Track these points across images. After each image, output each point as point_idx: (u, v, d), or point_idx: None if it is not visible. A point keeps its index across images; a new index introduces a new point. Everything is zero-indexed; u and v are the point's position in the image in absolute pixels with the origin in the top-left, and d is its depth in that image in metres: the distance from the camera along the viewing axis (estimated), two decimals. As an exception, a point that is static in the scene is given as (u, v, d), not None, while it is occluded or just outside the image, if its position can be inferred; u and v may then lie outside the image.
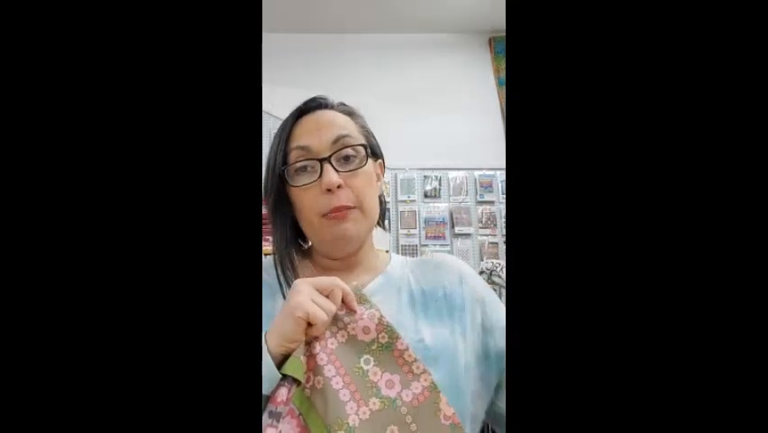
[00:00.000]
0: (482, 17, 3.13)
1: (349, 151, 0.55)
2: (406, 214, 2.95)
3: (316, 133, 0.55)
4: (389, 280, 0.58)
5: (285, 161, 0.56)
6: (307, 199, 0.54)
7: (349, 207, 0.54)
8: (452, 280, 0.57)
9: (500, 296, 2.35)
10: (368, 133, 0.61)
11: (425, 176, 3.03)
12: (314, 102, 0.59)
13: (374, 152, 0.60)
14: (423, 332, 0.53)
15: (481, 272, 1.75)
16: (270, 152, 0.58)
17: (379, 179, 0.61)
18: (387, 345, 0.50)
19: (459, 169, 3.05)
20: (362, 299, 0.52)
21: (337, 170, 0.54)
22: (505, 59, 3.02)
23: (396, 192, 2.99)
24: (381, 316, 0.51)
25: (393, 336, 0.50)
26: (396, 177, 3.02)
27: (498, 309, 0.57)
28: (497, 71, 3.22)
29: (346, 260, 0.57)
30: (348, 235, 0.54)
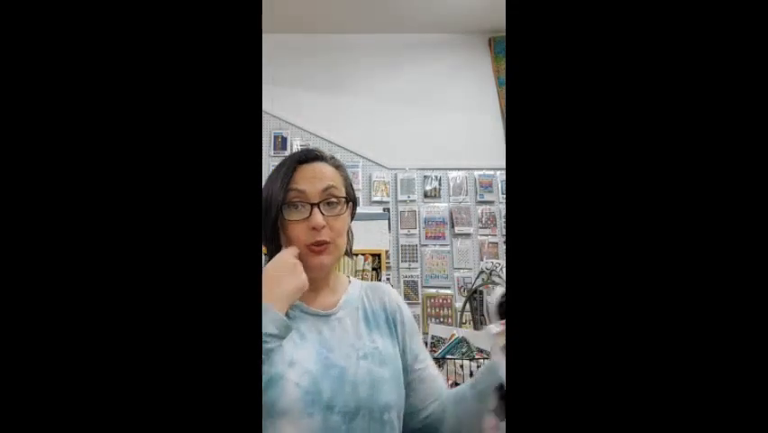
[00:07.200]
0: (482, 17, 3.13)
1: (333, 199, 0.72)
2: (406, 214, 2.95)
3: (311, 181, 0.71)
4: (351, 300, 0.77)
5: (284, 198, 0.71)
6: (297, 232, 0.71)
7: (327, 243, 0.71)
8: (392, 305, 0.80)
9: (500, 296, 2.35)
10: (348, 183, 0.78)
11: (425, 176, 3.03)
12: (311, 154, 0.75)
13: (349, 199, 0.76)
14: (377, 341, 0.73)
15: (481, 272, 1.75)
16: (270, 186, 0.73)
17: (351, 218, 0.78)
18: None
19: (459, 169, 3.05)
20: None
21: (323, 213, 0.70)
22: (505, 59, 3.02)
23: (396, 192, 2.99)
24: None
25: None
26: (396, 177, 3.02)
27: (413, 326, 0.82)
28: (497, 71, 3.22)
29: (318, 280, 0.75)
30: (324, 265, 0.72)
